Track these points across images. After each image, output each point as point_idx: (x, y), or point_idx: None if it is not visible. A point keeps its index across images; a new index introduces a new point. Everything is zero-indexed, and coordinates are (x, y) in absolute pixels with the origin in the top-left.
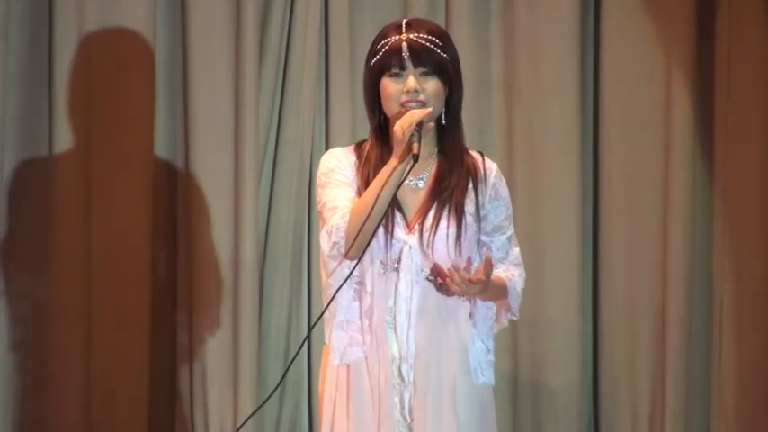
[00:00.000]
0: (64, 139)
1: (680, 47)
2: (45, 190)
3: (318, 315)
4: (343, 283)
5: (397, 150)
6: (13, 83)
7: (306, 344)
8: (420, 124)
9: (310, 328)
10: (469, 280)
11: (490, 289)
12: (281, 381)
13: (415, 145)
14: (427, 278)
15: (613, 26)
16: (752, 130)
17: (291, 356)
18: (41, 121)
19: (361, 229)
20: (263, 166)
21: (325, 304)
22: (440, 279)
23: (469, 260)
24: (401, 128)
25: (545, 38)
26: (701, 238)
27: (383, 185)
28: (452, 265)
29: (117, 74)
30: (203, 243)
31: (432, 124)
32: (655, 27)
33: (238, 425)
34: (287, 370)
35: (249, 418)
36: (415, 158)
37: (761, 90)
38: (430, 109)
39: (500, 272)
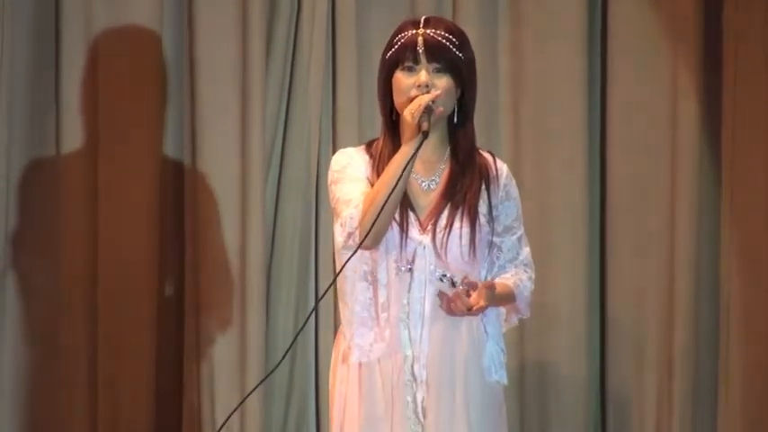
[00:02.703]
0: (71, 139)
1: (687, 45)
2: (53, 190)
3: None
4: (351, 255)
5: (408, 135)
6: (21, 83)
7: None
8: (430, 109)
9: (318, 299)
10: (469, 309)
11: (497, 299)
12: (292, 343)
13: (425, 123)
14: (440, 279)
15: (620, 24)
16: (759, 128)
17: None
18: (49, 121)
19: (377, 215)
20: (269, 166)
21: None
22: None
23: (474, 284)
24: (410, 112)
25: (552, 36)
26: (708, 235)
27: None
28: (455, 293)
29: (124, 74)
30: (210, 242)
31: (441, 108)
32: (662, 25)
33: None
34: (297, 334)
35: (255, 388)
36: (425, 135)
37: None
38: (438, 92)
39: (508, 277)
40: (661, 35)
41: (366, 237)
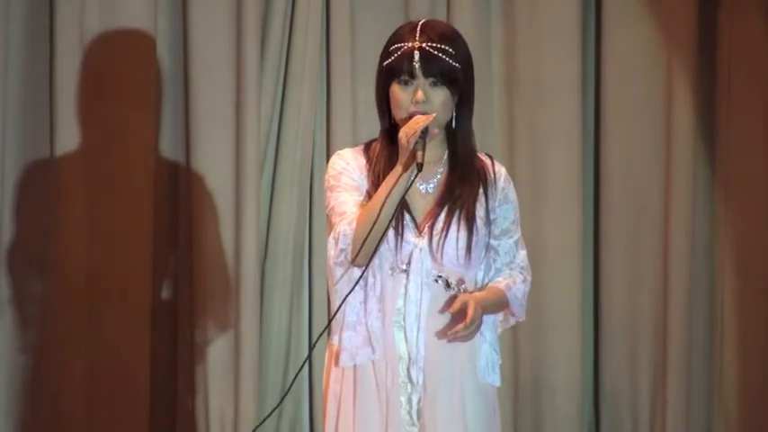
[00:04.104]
0: (66, 140)
1: (681, 44)
2: (47, 190)
3: (320, 320)
4: (350, 292)
5: (402, 157)
6: (15, 83)
7: (307, 346)
8: (425, 130)
9: (311, 348)
10: (464, 324)
11: (490, 307)
12: (282, 398)
13: (419, 153)
14: (435, 280)
15: (614, 23)
16: (753, 127)
17: (292, 355)
18: (43, 121)
19: (367, 236)
20: (264, 167)
21: (332, 309)
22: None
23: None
24: (405, 135)
25: (546, 35)
26: (702, 236)
27: (389, 193)
28: (453, 330)
29: (119, 75)
30: (205, 242)
31: (437, 130)
32: (656, 24)
33: (239, 423)
34: (290, 386)
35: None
36: (419, 167)
37: (762, 88)
38: (434, 115)
39: (500, 280)
40: (655, 35)
41: (357, 257)
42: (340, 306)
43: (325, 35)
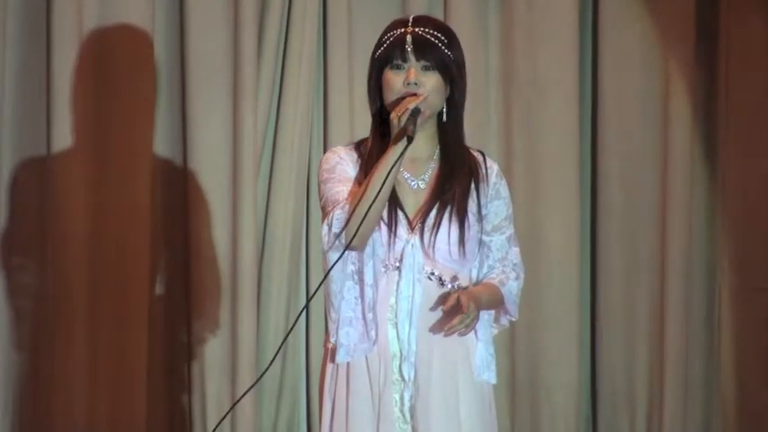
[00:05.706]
0: (62, 138)
1: (679, 41)
2: (44, 188)
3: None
4: (337, 260)
5: (393, 136)
6: (12, 81)
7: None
8: (417, 111)
9: (309, 298)
10: (460, 317)
11: (485, 303)
12: (281, 344)
13: (410, 128)
14: (428, 277)
15: (612, 20)
16: (751, 125)
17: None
18: (40, 119)
19: (356, 206)
20: (260, 164)
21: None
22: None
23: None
24: (396, 113)
25: (543, 32)
26: (699, 234)
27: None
28: (450, 325)
29: (116, 71)
30: (202, 240)
31: (429, 111)
32: (654, 21)
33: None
34: (286, 337)
35: (247, 391)
36: (410, 140)
37: (761, 85)
38: (425, 95)
39: (494, 277)
40: (653, 33)
41: (352, 240)
42: (326, 275)
43: (323, 29)
